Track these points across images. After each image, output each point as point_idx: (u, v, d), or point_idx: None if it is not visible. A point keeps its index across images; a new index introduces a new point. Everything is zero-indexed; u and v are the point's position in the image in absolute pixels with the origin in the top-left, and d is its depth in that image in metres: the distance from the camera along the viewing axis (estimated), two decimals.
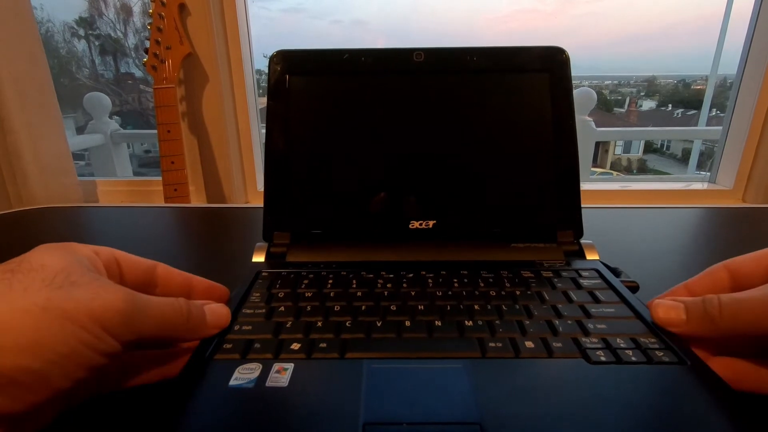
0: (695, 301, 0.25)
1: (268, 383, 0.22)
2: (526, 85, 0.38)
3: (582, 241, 0.37)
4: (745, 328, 0.22)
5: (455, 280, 0.32)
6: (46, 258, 0.21)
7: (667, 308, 0.26)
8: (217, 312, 0.26)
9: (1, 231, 0.57)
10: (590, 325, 0.26)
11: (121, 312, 0.20)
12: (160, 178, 1.03)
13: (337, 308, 0.29)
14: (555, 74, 0.38)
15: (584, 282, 0.32)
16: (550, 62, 0.38)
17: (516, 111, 0.38)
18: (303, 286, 0.32)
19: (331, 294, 0.31)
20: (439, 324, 0.27)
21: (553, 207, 0.37)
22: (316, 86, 0.38)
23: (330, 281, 0.32)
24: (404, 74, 0.38)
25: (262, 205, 0.38)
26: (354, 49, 0.38)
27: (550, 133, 0.37)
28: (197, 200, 1.18)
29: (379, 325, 0.27)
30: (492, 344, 0.25)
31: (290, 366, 0.23)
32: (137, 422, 0.23)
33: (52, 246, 0.22)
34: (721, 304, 0.23)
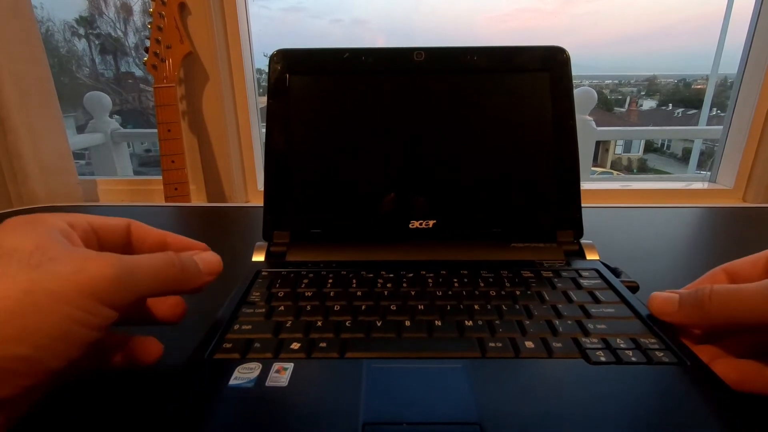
0: (689, 291, 0.25)
1: (268, 383, 0.22)
2: (526, 85, 0.38)
3: (582, 241, 0.37)
4: (734, 317, 0.23)
5: (455, 280, 0.32)
6: (17, 238, 0.19)
7: (663, 299, 0.26)
8: (208, 259, 0.25)
9: None
10: (590, 326, 0.26)
11: (111, 278, 0.19)
12: (160, 177, 1.03)
13: (337, 308, 0.29)
14: (555, 74, 0.38)
15: (584, 282, 0.32)
16: (551, 62, 0.38)
17: (516, 111, 0.38)
18: (303, 285, 0.32)
19: (331, 293, 0.31)
20: (439, 324, 0.27)
21: (553, 207, 0.37)
22: (317, 85, 0.38)
23: (330, 281, 0.32)
24: (404, 74, 0.38)
25: (262, 204, 0.38)
26: (354, 49, 0.38)
27: (550, 133, 0.37)
28: (197, 199, 1.18)
29: (379, 324, 0.27)
30: (492, 344, 0.25)
31: (290, 366, 0.23)
32: (137, 422, 0.23)
33: (19, 221, 0.21)
34: (712, 291, 0.23)
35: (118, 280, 0.19)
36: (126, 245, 0.26)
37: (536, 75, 0.38)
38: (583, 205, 0.38)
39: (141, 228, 0.27)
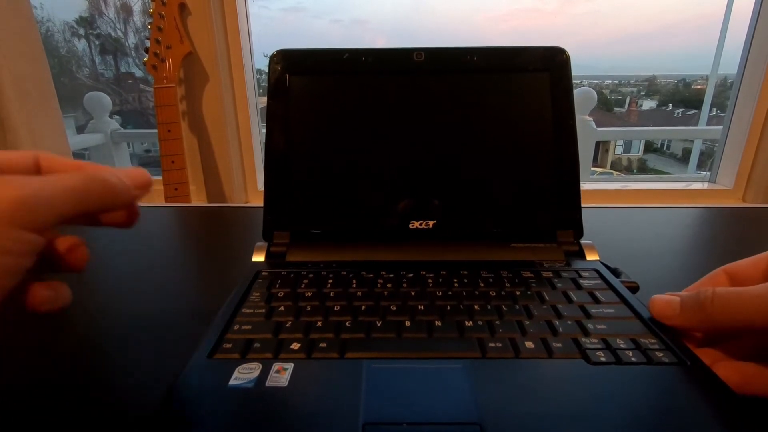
0: (690, 294, 0.25)
1: (268, 383, 0.22)
2: (526, 85, 0.38)
3: (582, 241, 0.37)
4: (737, 320, 0.22)
5: (455, 280, 0.32)
6: None
7: (664, 302, 0.26)
8: (133, 174, 0.24)
9: None
10: (590, 326, 0.26)
11: (19, 202, 0.18)
12: (160, 178, 1.03)
13: (337, 308, 0.29)
14: (555, 74, 0.38)
15: (584, 282, 0.32)
16: (551, 62, 0.38)
17: (516, 111, 0.38)
18: (303, 285, 0.32)
19: (331, 294, 0.31)
20: (439, 324, 0.27)
21: (553, 207, 0.37)
22: (317, 86, 0.38)
23: (330, 281, 0.32)
24: (404, 74, 0.38)
25: (262, 204, 0.38)
26: (354, 49, 0.38)
27: (550, 133, 0.37)
28: (197, 200, 1.18)
29: (379, 324, 0.27)
30: (492, 344, 0.25)
31: (290, 366, 0.23)
32: (137, 422, 0.23)
33: None
34: (714, 294, 0.23)
35: (28, 202, 0.18)
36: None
37: (536, 75, 0.38)
38: (583, 205, 0.38)
39: (51, 159, 0.25)
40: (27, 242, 0.18)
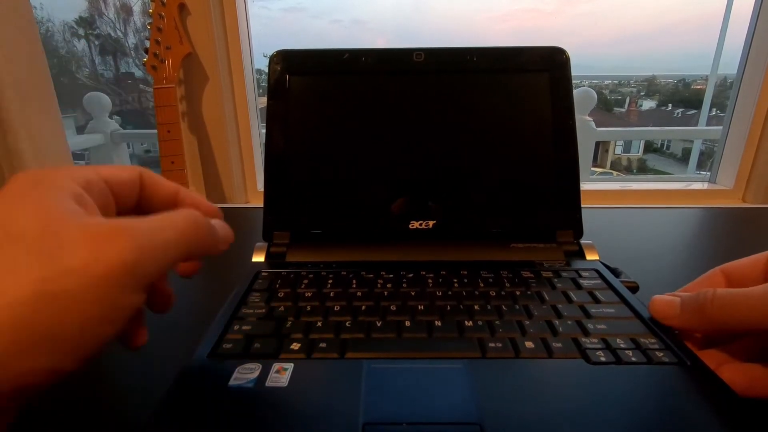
0: (690, 294, 0.25)
1: (268, 383, 0.22)
2: (526, 86, 0.38)
3: (582, 241, 0.37)
4: (736, 322, 0.22)
5: (455, 280, 0.32)
6: (22, 216, 0.16)
7: (664, 302, 0.26)
8: (223, 226, 0.23)
9: None
10: (590, 326, 0.26)
11: (130, 263, 0.16)
12: None
13: (337, 308, 0.29)
14: (555, 74, 0.38)
15: (584, 282, 0.32)
16: (550, 62, 0.38)
17: (516, 111, 0.38)
18: (303, 285, 0.32)
19: (331, 294, 0.31)
20: (439, 324, 0.27)
21: (553, 207, 0.37)
22: (316, 86, 0.38)
23: (330, 281, 0.32)
24: (404, 74, 0.38)
25: (262, 204, 0.38)
26: (354, 49, 0.38)
27: (550, 133, 0.37)
28: None
29: (379, 325, 0.27)
30: (492, 344, 0.25)
31: (290, 366, 0.23)
32: (136, 422, 0.23)
33: (24, 184, 0.18)
34: (714, 296, 0.23)
35: (139, 261, 0.16)
36: (139, 196, 0.23)
37: (536, 75, 0.38)
38: (582, 205, 0.38)
39: (153, 178, 0.24)
40: (129, 307, 0.17)
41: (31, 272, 0.15)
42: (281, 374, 0.23)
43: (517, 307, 0.29)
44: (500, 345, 0.25)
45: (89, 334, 0.16)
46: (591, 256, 0.36)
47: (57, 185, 0.18)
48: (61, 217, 0.16)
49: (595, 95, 1.70)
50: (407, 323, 0.27)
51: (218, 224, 0.23)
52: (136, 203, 0.23)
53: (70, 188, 0.18)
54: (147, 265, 0.17)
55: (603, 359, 0.24)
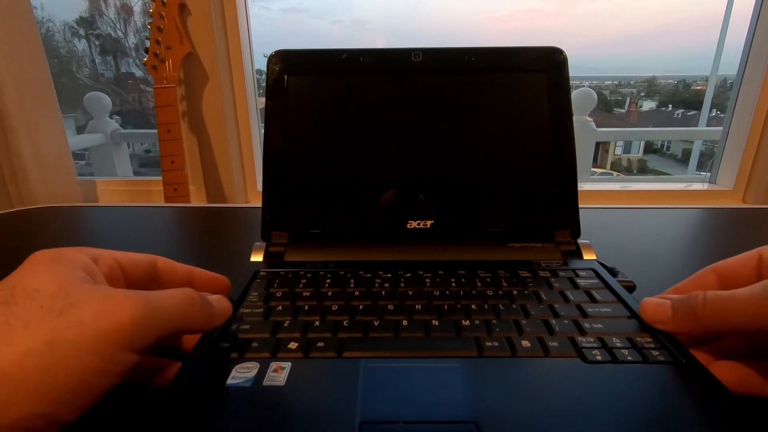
0: (681, 298, 0.25)
1: (266, 382, 0.22)
2: (524, 86, 0.38)
3: (579, 241, 0.38)
4: (728, 324, 0.22)
5: (453, 280, 0.32)
6: (39, 279, 0.18)
7: (655, 306, 0.26)
8: (221, 302, 0.25)
9: (1, 231, 0.57)
10: (586, 325, 0.27)
11: (133, 322, 0.18)
12: (160, 178, 1.03)
13: (334, 308, 0.29)
14: (553, 74, 0.38)
15: (581, 282, 0.32)
16: (548, 62, 0.38)
17: (514, 111, 0.38)
18: (301, 285, 0.32)
19: (329, 293, 0.31)
20: (437, 323, 0.27)
21: (550, 207, 0.38)
22: (315, 86, 0.38)
23: (328, 281, 0.32)
24: (402, 74, 0.38)
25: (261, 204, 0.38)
26: (352, 49, 0.38)
27: (547, 133, 0.38)
28: (197, 200, 1.19)
29: (376, 324, 0.27)
30: (488, 343, 0.25)
31: (287, 365, 0.23)
32: (135, 422, 0.23)
33: (42, 257, 0.20)
34: (705, 299, 0.23)
35: (139, 324, 0.18)
36: (152, 281, 0.26)
37: (534, 76, 0.38)
38: (582, 206, 0.38)
39: (168, 264, 0.27)
40: (124, 364, 0.18)
41: (43, 324, 0.17)
42: (279, 373, 0.23)
43: (514, 306, 0.29)
44: (497, 344, 0.25)
45: (88, 385, 0.17)
46: (588, 256, 0.36)
47: (70, 259, 0.21)
48: (73, 282, 0.19)
49: (595, 96, 1.70)
50: (405, 323, 0.27)
51: (217, 300, 0.25)
52: (147, 286, 0.25)
53: (82, 261, 0.21)
54: (146, 329, 0.19)
55: (599, 358, 0.24)
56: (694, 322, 0.24)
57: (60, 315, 0.17)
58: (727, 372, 0.23)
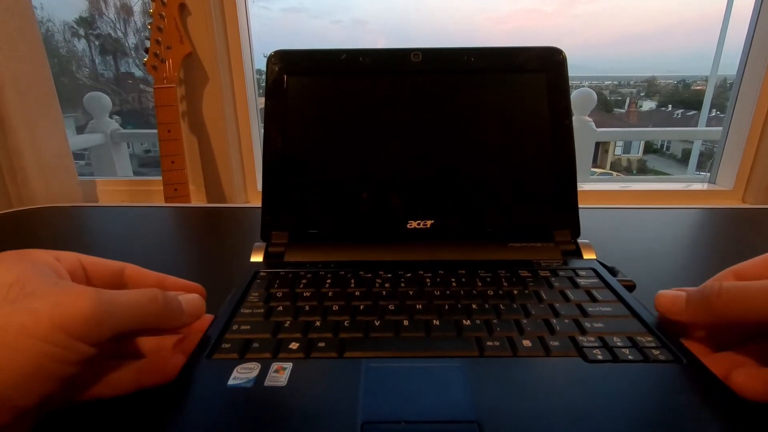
0: (696, 288, 0.25)
1: (267, 383, 0.22)
2: (523, 86, 0.38)
3: (579, 240, 0.38)
4: (743, 315, 0.22)
5: (453, 280, 0.32)
6: (1, 273, 0.19)
7: (670, 297, 0.26)
8: (192, 301, 0.25)
9: (1, 231, 0.57)
10: (587, 324, 0.27)
11: (87, 314, 0.18)
12: (160, 178, 1.03)
13: (335, 308, 0.29)
14: (552, 74, 0.38)
15: (581, 281, 0.32)
16: (547, 62, 0.38)
17: (513, 111, 0.38)
18: (301, 285, 0.32)
19: (330, 293, 0.31)
20: (437, 323, 0.27)
21: (550, 206, 0.38)
22: (314, 86, 0.38)
23: (328, 281, 0.32)
24: (402, 74, 0.38)
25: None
26: (352, 50, 0.38)
27: (547, 133, 0.38)
28: (197, 200, 1.19)
29: (377, 324, 0.27)
30: (489, 343, 0.25)
31: (289, 365, 0.23)
32: (135, 422, 0.23)
33: (8, 255, 0.21)
34: (721, 288, 0.23)
35: (93, 315, 0.19)
36: (117, 286, 0.26)
37: (533, 76, 0.38)
38: (582, 206, 0.38)
39: (137, 272, 0.27)
40: (78, 352, 0.18)
41: None
42: (280, 374, 0.23)
43: (515, 306, 0.29)
44: (498, 344, 0.25)
45: (38, 369, 0.17)
46: (588, 256, 0.36)
47: (35, 257, 0.21)
48: (32, 275, 0.19)
49: (595, 96, 1.70)
50: (405, 322, 0.27)
51: (187, 299, 0.25)
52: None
53: (46, 260, 0.22)
54: (100, 323, 0.19)
55: (600, 357, 0.24)
56: (709, 312, 0.23)
57: (14, 302, 0.18)
58: (750, 379, 0.21)
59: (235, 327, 0.27)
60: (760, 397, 0.21)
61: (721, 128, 1.21)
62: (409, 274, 0.33)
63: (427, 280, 0.32)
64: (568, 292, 0.30)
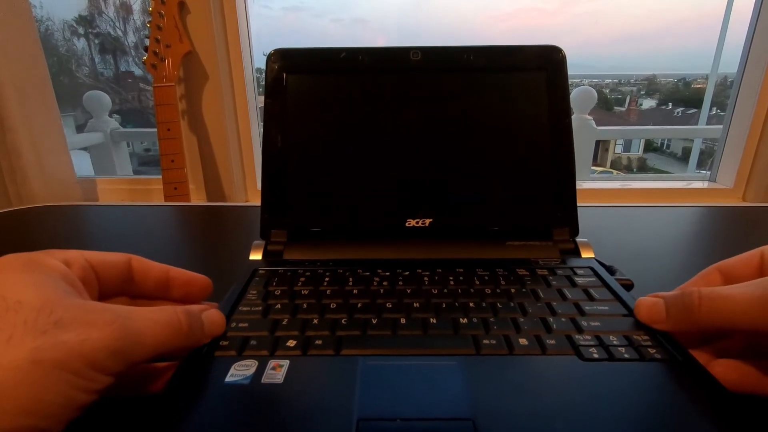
0: (674, 295, 0.25)
1: (264, 380, 0.22)
2: (522, 84, 0.38)
3: (578, 239, 0.38)
4: (725, 323, 0.22)
5: (451, 278, 0.32)
6: (19, 289, 0.19)
7: (649, 306, 0.26)
8: (214, 320, 0.25)
9: (1, 230, 0.57)
10: (584, 323, 0.27)
11: (114, 348, 0.19)
12: (159, 177, 1.03)
13: (333, 306, 0.29)
14: (551, 73, 0.38)
15: (579, 280, 0.32)
16: (547, 61, 0.38)
17: (512, 109, 0.38)
18: (299, 283, 0.32)
19: (328, 291, 0.31)
20: (434, 321, 0.27)
21: (548, 205, 0.38)
22: (314, 85, 0.38)
23: (326, 279, 0.32)
24: (401, 73, 0.38)
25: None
26: (351, 48, 0.38)
27: (546, 132, 0.38)
28: (197, 198, 1.19)
29: (374, 322, 0.27)
30: (486, 341, 0.25)
31: (286, 363, 0.24)
32: (134, 420, 0.23)
33: (15, 263, 0.20)
34: (701, 297, 0.23)
35: (121, 350, 0.19)
36: (127, 281, 0.26)
37: (532, 74, 0.38)
38: (582, 204, 0.38)
39: (143, 263, 0.27)
40: (103, 383, 0.19)
41: (27, 342, 0.17)
42: (277, 371, 0.23)
43: (512, 304, 0.29)
44: (494, 342, 0.25)
45: (70, 400, 0.18)
46: (586, 254, 0.36)
47: (47, 267, 0.21)
48: (56, 297, 0.19)
49: (596, 94, 1.70)
50: (403, 321, 0.27)
51: (209, 317, 0.25)
52: (121, 286, 0.26)
53: (58, 268, 0.21)
54: (122, 359, 0.19)
55: (596, 356, 0.24)
56: (690, 321, 0.23)
57: (44, 333, 0.18)
58: (726, 371, 0.23)
59: (233, 324, 0.27)
60: (736, 387, 0.22)
61: (721, 126, 1.21)
62: (407, 273, 0.33)
63: (425, 278, 0.32)
64: (566, 291, 0.30)
